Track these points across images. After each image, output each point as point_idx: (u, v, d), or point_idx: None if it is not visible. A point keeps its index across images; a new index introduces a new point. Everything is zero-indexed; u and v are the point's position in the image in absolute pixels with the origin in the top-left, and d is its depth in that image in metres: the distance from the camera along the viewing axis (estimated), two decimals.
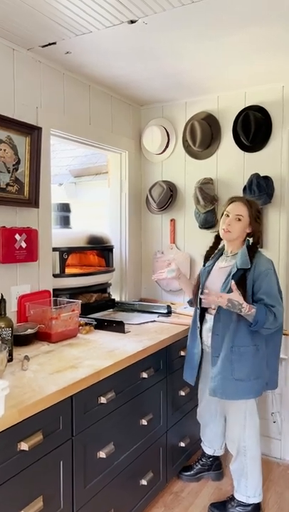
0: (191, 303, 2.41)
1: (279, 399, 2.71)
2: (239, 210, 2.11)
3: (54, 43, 2.11)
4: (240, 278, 2.03)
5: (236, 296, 1.94)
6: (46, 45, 2.14)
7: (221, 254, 2.24)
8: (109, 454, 1.80)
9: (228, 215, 2.13)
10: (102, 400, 1.76)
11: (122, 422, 1.93)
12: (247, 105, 2.76)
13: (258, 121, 2.67)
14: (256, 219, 2.12)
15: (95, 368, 1.74)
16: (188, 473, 2.54)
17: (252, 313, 1.94)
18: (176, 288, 3.10)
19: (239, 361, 2.04)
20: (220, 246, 2.29)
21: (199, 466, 2.55)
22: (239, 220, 2.10)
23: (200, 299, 2.22)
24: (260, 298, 2.00)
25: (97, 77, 2.57)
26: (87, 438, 1.70)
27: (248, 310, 1.94)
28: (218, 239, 2.27)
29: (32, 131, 2.19)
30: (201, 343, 2.24)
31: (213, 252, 2.29)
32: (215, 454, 2.52)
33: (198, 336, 2.24)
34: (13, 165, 2.13)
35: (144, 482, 2.09)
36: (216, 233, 2.26)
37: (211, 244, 2.30)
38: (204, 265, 2.29)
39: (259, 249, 2.16)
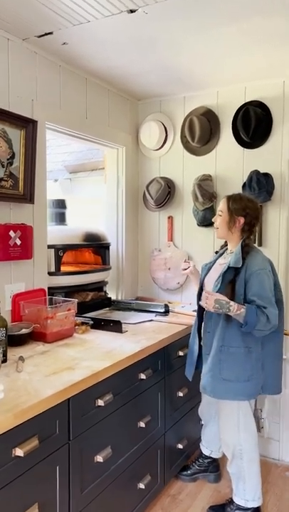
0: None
1: (273, 405, 2.67)
2: (220, 205, 2.14)
3: (51, 33, 2.04)
4: (232, 277, 1.99)
5: (221, 295, 1.91)
6: (42, 35, 2.06)
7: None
8: (107, 457, 1.75)
9: None
10: (100, 402, 1.71)
11: (119, 424, 1.87)
12: (247, 100, 2.71)
13: (259, 117, 2.62)
14: (233, 213, 2.06)
15: (92, 369, 1.69)
16: (185, 472, 2.50)
17: (241, 313, 1.89)
18: (173, 287, 3.05)
19: (227, 361, 2.00)
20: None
21: (196, 466, 2.51)
22: (220, 215, 2.12)
23: (199, 295, 2.20)
24: (252, 299, 1.94)
25: (94, 69, 2.50)
26: (84, 442, 1.64)
27: (236, 310, 1.89)
28: None
29: (27, 125, 2.12)
30: (200, 341, 2.21)
31: (222, 248, 2.26)
32: (212, 456, 2.48)
33: (197, 333, 2.21)
34: (8, 159, 2.06)
35: (141, 486, 2.04)
36: None
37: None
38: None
39: (257, 248, 2.12)
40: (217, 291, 1.98)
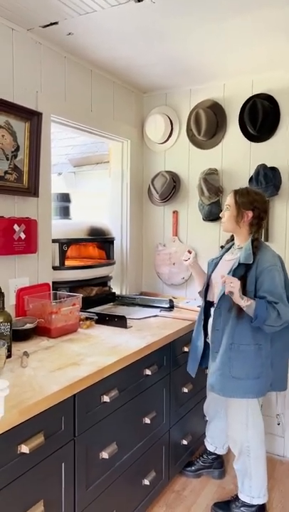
0: (201, 294, 2.36)
1: (283, 400, 2.64)
2: (228, 200, 2.11)
3: (56, 23, 2.00)
4: (243, 273, 1.95)
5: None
6: (47, 25, 2.02)
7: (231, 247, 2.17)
8: (112, 454, 1.73)
9: None
10: (105, 398, 1.69)
11: (125, 420, 1.86)
12: (254, 93, 2.66)
13: (266, 110, 2.57)
14: (240, 207, 2.03)
15: (98, 365, 1.67)
16: (190, 468, 2.49)
17: (251, 304, 1.86)
18: (178, 282, 3.02)
19: (237, 359, 1.97)
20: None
21: (200, 462, 2.50)
22: (227, 209, 2.08)
23: (206, 291, 2.17)
24: (263, 296, 1.91)
25: (99, 60, 2.46)
26: (89, 438, 1.63)
27: (246, 300, 1.86)
28: None
29: (32, 117, 2.09)
30: (206, 337, 2.18)
31: (228, 243, 2.22)
32: (216, 452, 2.47)
33: (202, 330, 2.18)
34: (12, 152, 2.03)
35: (146, 482, 2.03)
36: None
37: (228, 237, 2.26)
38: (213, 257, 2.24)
39: (266, 243, 2.09)
40: None
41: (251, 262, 1.94)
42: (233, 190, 2.11)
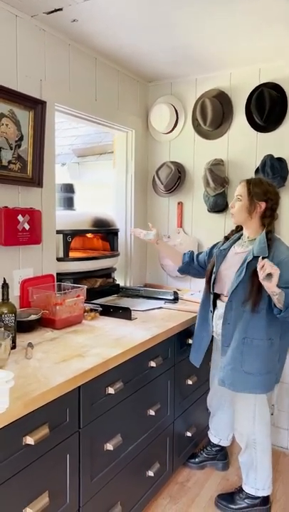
0: (181, 271, 2.43)
1: (279, 390, 2.63)
2: (239, 190, 2.04)
3: (60, 10, 1.96)
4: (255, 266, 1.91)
5: None
6: (52, 12, 1.98)
7: (239, 238, 2.13)
8: (117, 445, 1.73)
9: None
10: (110, 390, 1.68)
11: (129, 412, 1.85)
12: (262, 82, 2.62)
13: (273, 100, 2.53)
14: (253, 197, 1.97)
15: (102, 356, 1.66)
16: (193, 460, 2.49)
17: (281, 292, 1.76)
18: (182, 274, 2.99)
19: (250, 354, 1.94)
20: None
21: (204, 454, 2.50)
22: (239, 200, 2.02)
23: (213, 284, 2.12)
24: (285, 287, 1.81)
25: (104, 48, 2.41)
26: (94, 430, 1.62)
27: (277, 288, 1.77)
28: None
29: (36, 106, 2.06)
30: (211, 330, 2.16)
31: (233, 234, 2.19)
32: (220, 444, 2.46)
33: (210, 322, 2.14)
34: (16, 141, 2.00)
35: (150, 473, 2.03)
36: None
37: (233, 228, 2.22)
38: (219, 247, 2.18)
39: (278, 237, 2.05)
40: (240, 281, 1.92)
41: (267, 255, 1.89)
42: (245, 180, 2.05)
